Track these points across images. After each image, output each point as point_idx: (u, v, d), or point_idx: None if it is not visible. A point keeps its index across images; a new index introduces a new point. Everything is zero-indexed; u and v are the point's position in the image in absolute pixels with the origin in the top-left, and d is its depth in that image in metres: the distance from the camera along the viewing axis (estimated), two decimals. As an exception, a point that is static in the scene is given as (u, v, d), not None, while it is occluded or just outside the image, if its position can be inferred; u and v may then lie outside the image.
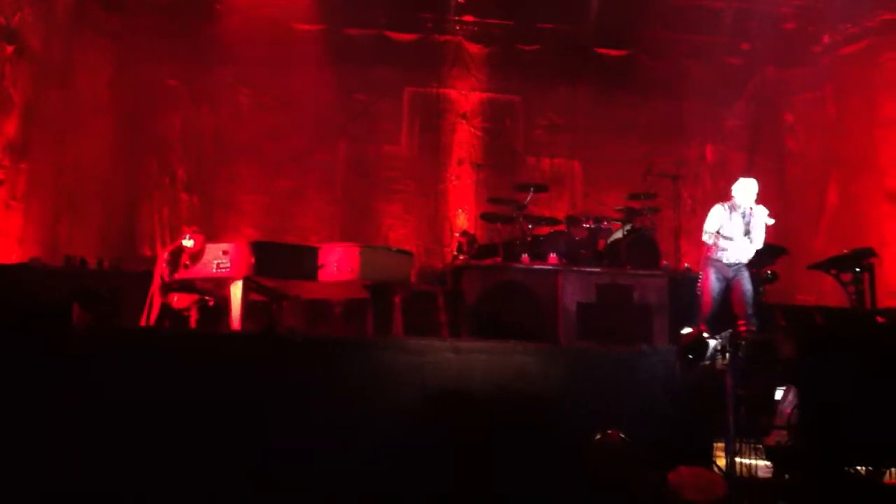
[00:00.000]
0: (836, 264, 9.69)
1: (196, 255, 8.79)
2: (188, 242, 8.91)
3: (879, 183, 12.11)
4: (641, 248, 10.89)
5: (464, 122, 13.68)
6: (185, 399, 6.70)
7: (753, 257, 9.10)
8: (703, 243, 8.95)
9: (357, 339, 8.76)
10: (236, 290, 8.55)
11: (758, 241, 8.83)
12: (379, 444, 6.83)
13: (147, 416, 6.62)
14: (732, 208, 8.84)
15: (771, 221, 8.71)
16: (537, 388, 7.40)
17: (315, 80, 13.11)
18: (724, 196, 9.24)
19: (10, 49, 10.64)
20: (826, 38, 13.06)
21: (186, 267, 8.81)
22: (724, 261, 8.75)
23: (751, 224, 8.79)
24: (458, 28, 13.55)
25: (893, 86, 11.97)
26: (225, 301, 8.75)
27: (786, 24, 13.20)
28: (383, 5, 13.12)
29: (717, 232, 8.80)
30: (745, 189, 8.83)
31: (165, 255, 9.06)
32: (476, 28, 13.57)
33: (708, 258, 8.83)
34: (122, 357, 6.81)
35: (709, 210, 9.10)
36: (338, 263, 8.79)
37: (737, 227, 8.79)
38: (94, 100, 12.41)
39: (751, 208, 8.78)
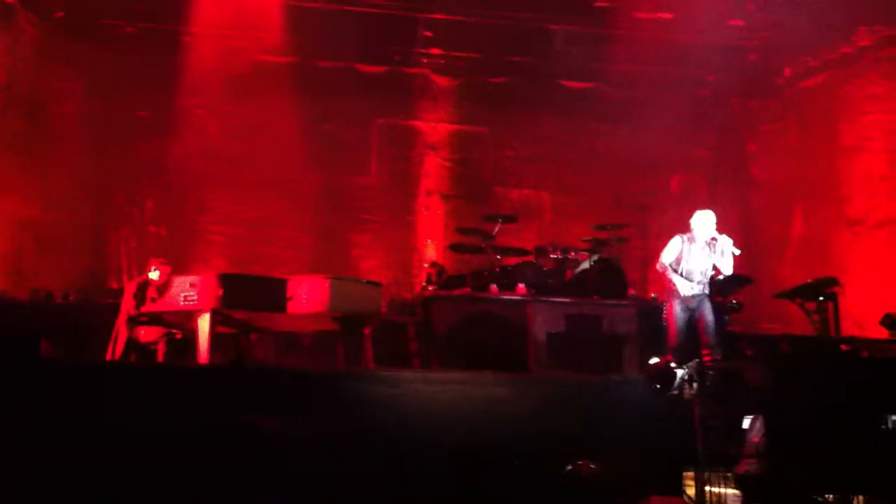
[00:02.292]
0: (800, 293, 9.79)
1: (163, 287, 8.72)
2: (154, 275, 8.86)
3: (841, 211, 12.27)
4: (609, 278, 10.93)
5: (432, 153, 13.76)
6: (149, 433, 6.67)
7: (718, 286, 9.15)
8: (665, 275, 8.93)
9: (328, 372, 8.74)
10: (204, 323, 8.46)
11: (727, 268, 8.84)
12: (349, 474, 6.81)
13: (114, 447, 6.58)
14: (692, 240, 8.84)
15: (737, 252, 8.74)
16: (509, 418, 7.42)
17: (284, 111, 13.07)
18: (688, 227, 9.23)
19: (-25, 82, 10.57)
20: (788, 71, 13.30)
21: (153, 300, 8.74)
22: (686, 292, 8.73)
23: (715, 255, 8.80)
24: (425, 61, 13.64)
25: (854, 116, 12.15)
26: (193, 334, 8.67)
27: (749, 56, 13.42)
28: (352, 38, 13.16)
29: (670, 264, 8.79)
30: (703, 220, 8.85)
31: (132, 287, 8.99)
32: (443, 61, 13.67)
33: (670, 289, 8.83)
34: (88, 390, 6.78)
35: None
36: (307, 295, 8.75)
37: (696, 259, 8.78)
38: (60, 130, 12.35)
39: (713, 238, 8.80)
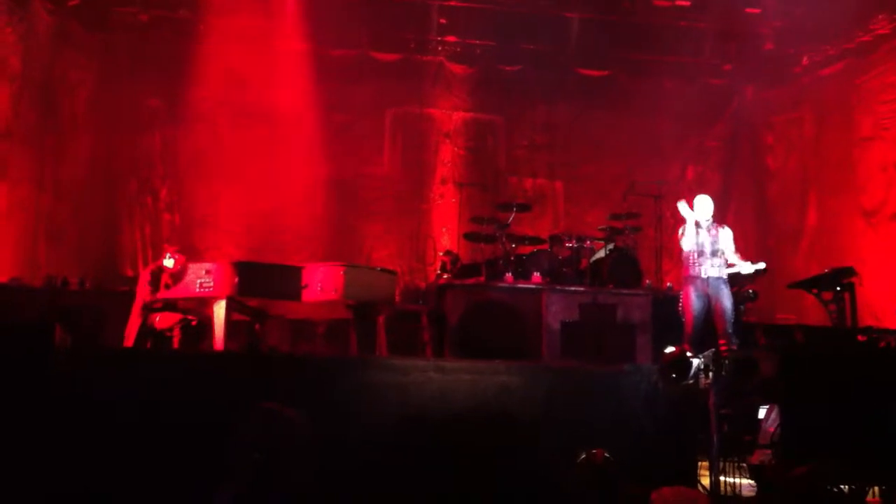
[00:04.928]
0: (817, 283, 9.75)
1: (177, 274, 8.73)
2: (168, 262, 8.86)
3: (856, 201, 12.20)
4: (624, 267, 10.91)
5: (447, 141, 13.72)
6: (165, 420, 6.66)
7: (733, 275, 9.10)
8: (683, 262, 8.94)
9: (341, 358, 8.73)
10: (219, 310, 8.49)
11: (732, 258, 8.85)
12: (361, 463, 6.80)
13: (127, 434, 6.59)
14: (696, 225, 8.84)
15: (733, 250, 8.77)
16: (521, 407, 7.40)
17: (297, 99, 13.05)
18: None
19: (-10, 69, 10.59)
20: (805, 60, 13.20)
21: (168, 287, 8.75)
22: (703, 276, 8.72)
23: (717, 242, 8.81)
24: (440, 48, 13.59)
25: (870, 106, 12.07)
26: (208, 321, 8.69)
27: (765, 45, 13.33)
28: (366, 25, 13.14)
29: (689, 247, 8.81)
30: (701, 205, 8.87)
31: (146, 275, 9.01)
32: (458, 48, 13.61)
33: (686, 276, 8.83)
34: (103, 377, 6.78)
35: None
36: (321, 283, 8.75)
37: (705, 243, 8.80)
38: (73, 119, 12.37)
39: (715, 225, 8.83)
